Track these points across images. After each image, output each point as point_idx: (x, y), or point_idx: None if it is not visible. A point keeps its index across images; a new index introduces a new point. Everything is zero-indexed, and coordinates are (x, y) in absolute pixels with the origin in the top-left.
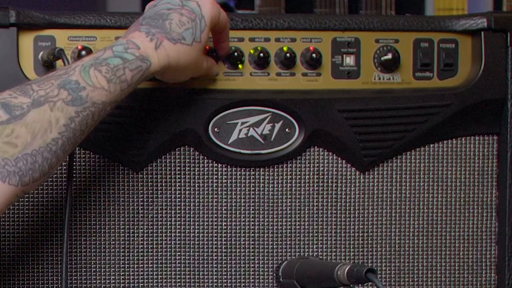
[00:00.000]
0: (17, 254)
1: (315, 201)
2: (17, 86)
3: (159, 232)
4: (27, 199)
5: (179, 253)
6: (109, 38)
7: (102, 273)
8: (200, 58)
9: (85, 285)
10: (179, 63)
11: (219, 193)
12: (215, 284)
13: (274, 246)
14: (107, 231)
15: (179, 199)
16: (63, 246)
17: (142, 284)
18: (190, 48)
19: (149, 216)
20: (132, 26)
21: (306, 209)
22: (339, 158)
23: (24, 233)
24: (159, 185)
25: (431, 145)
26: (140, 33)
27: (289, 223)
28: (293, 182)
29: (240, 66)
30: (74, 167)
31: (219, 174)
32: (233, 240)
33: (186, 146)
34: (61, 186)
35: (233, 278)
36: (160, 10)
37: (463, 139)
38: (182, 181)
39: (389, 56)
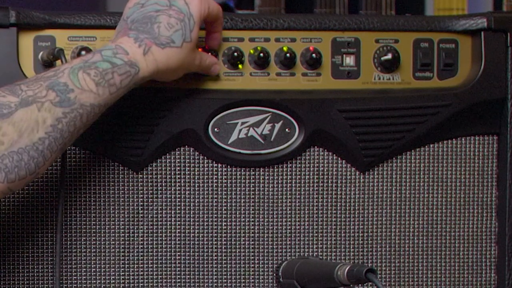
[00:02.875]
0: (14, 254)
1: (315, 201)
2: (6, 86)
3: (159, 232)
4: (22, 199)
5: (179, 253)
6: (109, 38)
7: (102, 273)
8: (191, 56)
9: (85, 285)
10: (168, 67)
11: (219, 193)
12: (215, 284)
13: (274, 246)
14: (107, 231)
15: (179, 199)
16: (56, 246)
17: (142, 284)
18: (179, 50)
19: (149, 216)
20: (120, 28)
21: (306, 209)
22: (339, 158)
23: (20, 234)
24: (159, 185)
25: (431, 145)
26: (129, 39)
27: (289, 223)
28: (293, 182)
29: (240, 66)
30: (74, 167)
31: (219, 174)
32: (233, 240)
33: (186, 146)
34: (57, 186)
35: (233, 278)
36: (148, 12)
37: (463, 139)
38: (182, 181)
39: (389, 56)
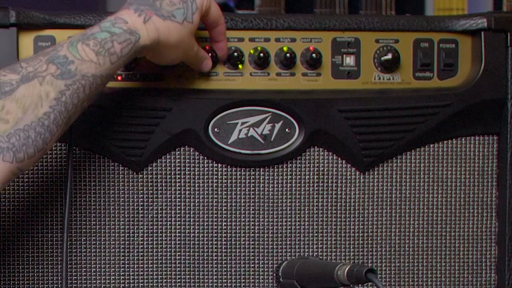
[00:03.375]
0: (17, 253)
1: (315, 201)
2: (5, 67)
3: (159, 232)
4: (27, 199)
5: (179, 253)
6: None
7: (102, 273)
8: (191, 40)
9: (85, 285)
10: (169, 39)
11: (219, 193)
12: (215, 284)
13: (274, 246)
14: (107, 231)
15: (179, 199)
16: (63, 246)
17: (142, 284)
18: (180, 26)
19: (149, 216)
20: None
21: (306, 209)
22: (339, 158)
23: (24, 233)
24: (159, 185)
25: (431, 145)
26: (129, 11)
27: (289, 223)
28: (293, 182)
29: (240, 66)
30: (74, 167)
31: (219, 174)
32: (233, 240)
33: (186, 146)
34: (60, 185)
35: (233, 278)
36: None
37: (463, 139)
38: (182, 181)
39: (389, 56)
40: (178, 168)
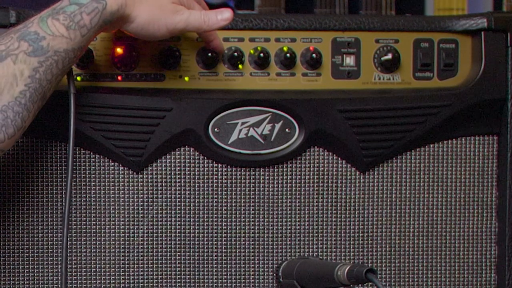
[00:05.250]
0: (17, 253)
1: (315, 201)
2: None
3: (159, 232)
4: (27, 198)
5: (179, 253)
6: (109, 37)
7: (102, 273)
8: (167, 6)
9: (85, 285)
10: (136, 3)
11: (219, 193)
12: (215, 284)
13: (274, 246)
14: (107, 231)
15: (179, 199)
16: (62, 246)
17: (142, 284)
18: None
19: (149, 216)
20: None
21: (306, 209)
22: (339, 158)
23: (24, 233)
24: (159, 186)
25: (431, 145)
26: None
27: (289, 223)
28: (293, 182)
29: (240, 66)
30: (74, 167)
31: (219, 174)
32: (233, 240)
33: (186, 146)
34: (60, 185)
35: (233, 278)
36: None
37: (463, 139)
38: (182, 181)
39: (389, 56)
40: (178, 168)
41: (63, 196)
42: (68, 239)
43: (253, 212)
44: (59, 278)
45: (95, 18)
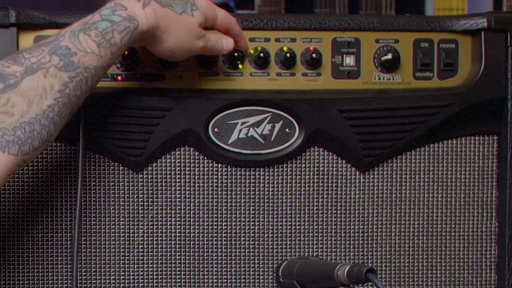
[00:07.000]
0: (17, 253)
1: (315, 201)
2: (7, 56)
3: (159, 232)
4: (32, 198)
5: (179, 253)
6: None
7: (102, 273)
8: (192, 33)
9: (85, 285)
10: (167, 27)
11: (219, 193)
12: (215, 284)
13: (274, 246)
14: (107, 231)
15: (179, 199)
16: (73, 245)
17: (142, 284)
18: (178, 16)
19: (149, 216)
20: None
21: (306, 209)
22: (339, 158)
23: (25, 233)
24: (159, 185)
25: (431, 145)
26: None
27: (289, 223)
28: (293, 182)
29: (240, 66)
30: (74, 167)
31: (219, 174)
32: (233, 240)
33: (186, 146)
34: (61, 185)
35: (233, 278)
36: None
37: (463, 139)
38: (182, 181)
39: (389, 56)
40: (178, 168)
41: (66, 196)
42: (68, 239)
43: (253, 212)
44: (60, 277)
45: (125, 37)
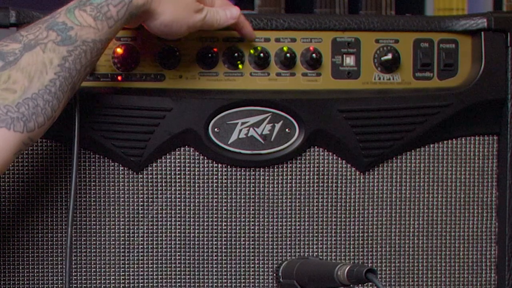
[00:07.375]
0: (17, 253)
1: (315, 201)
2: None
3: (159, 232)
4: (32, 198)
5: (179, 253)
6: None
7: (102, 273)
8: (191, 5)
9: (85, 285)
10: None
11: (219, 193)
12: (215, 284)
13: (274, 246)
14: (107, 231)
15: (179, 199)
16: (66, 245)
17: (142, 284)
18: None
19: (149, 216)
20: None
21: (306, 209)
22: (339, 158)
23: (24, 233)
24: (159, 186)
25: (431, 145)
26: None
27: (289, 223)
28: (293, 182)
29: (240, 66)
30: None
31: (219, 174)
32: (233, 240)
33: (186, 146)
34: (60, 185)
35: (233, 278)
36: None
37: (463, 139)
38: (182, 181)
39: (389, 56)
40: (178, 168)
41: (64, 196)
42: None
43: (253, 212)
44: (59, 277)
45: (121, 10)
